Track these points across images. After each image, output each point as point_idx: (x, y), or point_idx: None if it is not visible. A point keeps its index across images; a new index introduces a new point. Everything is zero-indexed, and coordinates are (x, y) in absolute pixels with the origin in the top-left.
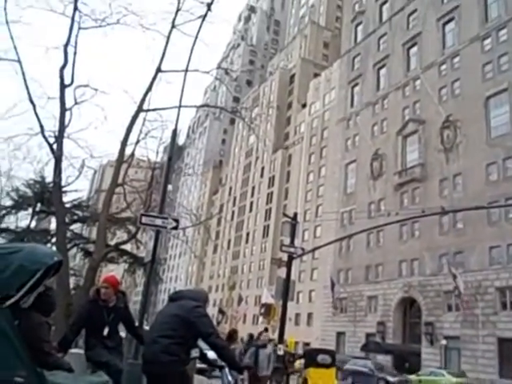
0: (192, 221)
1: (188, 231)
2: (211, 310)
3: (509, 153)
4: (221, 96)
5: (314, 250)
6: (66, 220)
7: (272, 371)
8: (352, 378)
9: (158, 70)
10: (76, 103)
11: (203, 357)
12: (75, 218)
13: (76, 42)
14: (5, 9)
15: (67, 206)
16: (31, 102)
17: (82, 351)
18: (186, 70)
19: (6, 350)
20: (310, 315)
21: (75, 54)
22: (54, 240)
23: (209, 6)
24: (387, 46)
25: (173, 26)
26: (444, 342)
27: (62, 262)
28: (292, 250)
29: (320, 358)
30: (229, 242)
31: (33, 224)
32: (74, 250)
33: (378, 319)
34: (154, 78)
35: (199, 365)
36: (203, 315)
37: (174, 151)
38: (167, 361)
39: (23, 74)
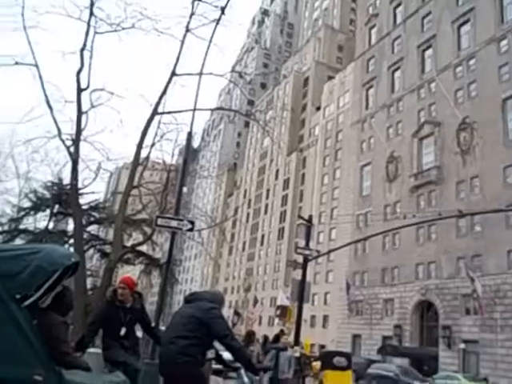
0: (207, 223)
1: (203, 233)
2: (226, 312)
3: None
4: (235, 99)
5: (329, 252)
6: (83, 221)
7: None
8: (376, 383)
9: (173, 73)
10: (92, 107)
11: (219, 358)
12: (92, 219)
13: (92, 47)
14: (22, 15)
15: (84, 207)
16: (49, 105)
17: (99, 351)
18: (201, 74)
19: (24, 348)
20: (325, 317)
21: (91, 58)
22: (71, 241)
23: (222, 9)
24: (402, 49)
25: (187, 30)
26: (462, 345)
27: (79, 262)
28: (307, 252)
29: (336, 360)
30: (244, 243)
31: (51, 225)
32: (91, 251)
33: (395, 322)
34: (169, 82)
35: (215, 366)
36: (219, 316)
37: (189, 154)
38: (183, 361)
39: (40, 78)
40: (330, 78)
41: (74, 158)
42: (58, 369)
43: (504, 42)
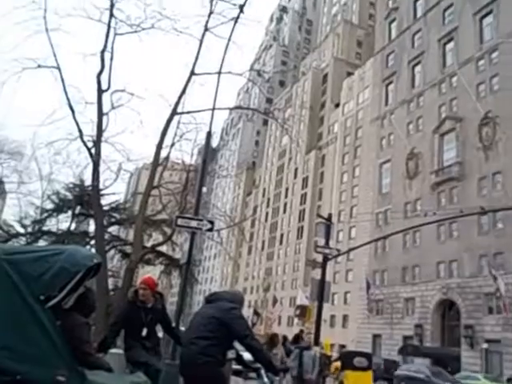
0: (226, 222)
1: (222, 233)
2: (246, 312)
3: None
4: (254, 97)
5: (349, 251)
6: (104, 222)
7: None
8: None
9: (192, 73)
10: (113, 108)
11: (239, 358)
12: (113, 220)
13: (112, 48)
14: (44, 17)
15: (105, 208)
16: (70, 107)
17: (120, 351)
18: (220, 73)
19: (48, 349)
20: (345, 317)
21: (111, 59)
22: (92, 242)
23: (241, 7)
24: (422, 43)
25: (206, 29)
26: (485, 345)
27: (101, 263)
28: (327, 251)
29: (356, 360)
30: (263, 243)
31: (72, 226)
32: (112, 251)
33: (416, 322)
34: (188, 81)
35: (235, 366)
36: (239, 317)
37: (208, 153)
38: (204, 362)
39: (62, 80)
40: (349, 74)
41: (95, 160)
42: (81, 369)
43: None
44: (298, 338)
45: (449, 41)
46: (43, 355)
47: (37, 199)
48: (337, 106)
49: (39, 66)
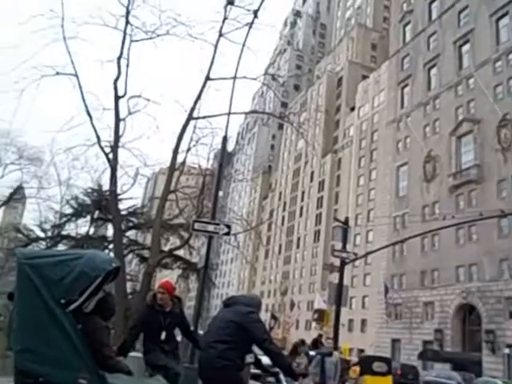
0: (243, 226)
1: (239, 236)
2: (263, 316)
3: None
4: (269, 102)
5: (366, 254)
6: (122, 227)
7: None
8: None
9: (207, 78)
10: (130, 113)
11: (258, 362)
12: (131, 224)
13: (128, 55)
14: (62, 26)
15: (123, 213)
16: (88, 114)
17: (139, 355)
18: (235, 77)
19: (70, 352)
20: (363, 321)
21: (128, 66)
22: (111, 246)
23: (255, 13)
24: (437, 45)
25: (220, 35)
26: (507, 350)
27: (120, 267)
28: (344, 254)
29: (376, 365)
30: (280, 247)
31: (91, 231)
32: (130, 255)
33: (436, 326)
34: (204, 86)
35: (253, 370)
36: (257, 321)
37: (224, 158)
38: (222, 366)
39: (80, 87)
40: (364, 77)
41: (113, 165)
42: (102, 372)
43: None
44: (316, 342)
45: (465, 43)
46: (65, 358)
47: (56, 204)
48: (352, 109)
49: (58, 74)
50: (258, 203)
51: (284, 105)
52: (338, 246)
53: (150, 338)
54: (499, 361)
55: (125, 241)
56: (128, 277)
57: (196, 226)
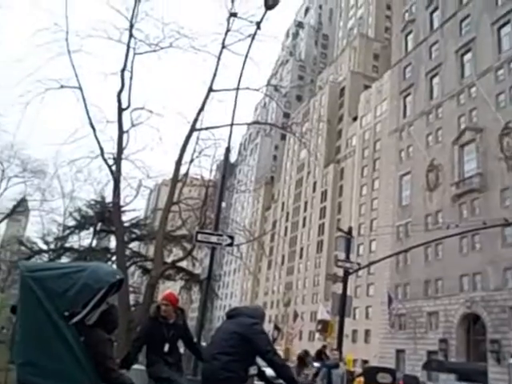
0: (246, 237)
1: (242, 247)
2: (267, 327)
3: None
4: (271, 112)
5: (369, 264)
6: (125, 238)
7: None
8: None
9: (210, 89)
10: (133, 125)
11: (261, 374)
12: (133, 236)
13: (132, 67)
14: (66, 39)
15: (126, 224)
16: (92, 126)
17: (142, 367)
18: (237, 89)
19: (72, 365)
20: (367, 332)
21: (131, 78)
22: (113, 258)
23: (258, 24)
24: (439, 54)
25: (223, 47)
26: None
27: (123, 279)
28: (347, 265)
29: (380, 376)
30: (283, 257)
31: (94, 243)
32: (133, 267)
33: (440, 336)
34: (206, 98)
35: (257, 382)
36: (261, 332)
37: (227, 169)
38: (226, 377)
39: (84, 100)
40: (367, 87)
41: (116, 177)
42: None
43: None
44: (320, 353)
45: (466, 51)
46: (67, 371)
47: (59, 216)
48: (354, 119)
49: (62, 87)
50: (260, 214)
51: (286, 115)
52: (342, 256)
53: (153, 350)
54: (505, 371)
55: (128, 252)
56: (131, 289)
57: (199, 237)
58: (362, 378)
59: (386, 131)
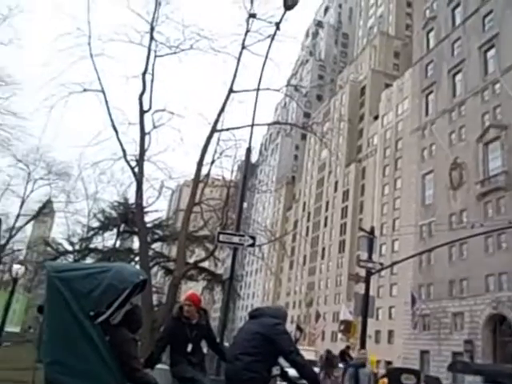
0: (267, 237)
1: (263, 247)
2: (289, 327)
3: None
4: (291, 112)
5: (393, 264)
6: (148, 239)
7: None
8: None
9: (230, 90)
10: (154, 127)
11: (284, 375)
12: (156, 237)
13: (153, 70)
14: (89, 44)
15: (148, 225)
16: (114, 128)
17: (165, 367)
18: (258, 89)
19: (98, 364)
20: (390, 332)
21: (152, 81)
22: (137, 258)
23: (277, 25)
24: (462, 51)
25: (243, 48)
26: None
27: (147, 280)
28: (370, 265)
29: (404, 377)
30: (304, 257)
31: (117, 243)
32: (156, 268)
33: (465, 337)
34: (227, 99)
35: (279, 383)
36: (283, 332)
37: (248, 169)
38: (249, 378)
39: (106, 103)
40: (388, 85)
41: (139, 178)
42: None
43: None
44: (343, 354)
45: (490, 48)
46: (94, 370)
47: (83, 218)
48: (375, 118)
49: (85, 90)
50: (281, 214)
51: (307, 115)
52: (364, 256)
53: (176, 351)
54: None
55: (150, 253)
56: (154, 289)
57: (221, 237)
58: (385, 380)
59: (407, 130)
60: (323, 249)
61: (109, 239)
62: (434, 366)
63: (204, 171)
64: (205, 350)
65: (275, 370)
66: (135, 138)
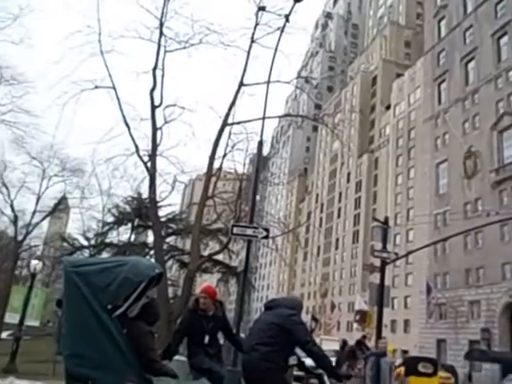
0: (281, 229)
1: (277, 239)
2: (304, 318)
3: None
4: (302, 104)
5: (407, 254)
6: (162, 233)
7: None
8: None
9: (241, 83)
10: (166, 122)
11: (301, 364)
12: (170, 230)
13: (163, 65)
14: (99, 41)
15: (162, 219)
16: (126, 124)
17: (183, 358)
18: (268, 82)
19: (117, 356)
20: (406, 322)
21: (163, 76)
22: (152, 252)
23: (287, 17)
24: (474, 39)
25: (252, 41)
26: None
27: (162, 273)
28: (385, 255)
29: (421, 366)
30: (318, 248)
31: (132, 238)
32: (171, 261)
33: (482, 326)
34: (238, 92)
35: (296, 372)
36: (299, 323)
37: (260, 162)
38: (266, 368)
39: (118, 99)
40: (399, 75)
41: (151, 173)
42: (148, 376)
43: None
44: (359, 343)
45: (503, 35)
46: (113, 362)
47: (98, 213)
48: (387, 108)
49: (96, 87)
50: (294, 206)
51: (318, 107)
52: (378, 246)
53: (193, 342)
54: None
55: (165, 247)
56: (169, 282)
57: (235, 230)
58: (402, 368)
59: (420, 119)
60: (337, 239)
61: (123, 234)
62: (451, 355)
63: (216, 165)
64: (221, 342)
65: (292, 360)
66: (147, 133)
